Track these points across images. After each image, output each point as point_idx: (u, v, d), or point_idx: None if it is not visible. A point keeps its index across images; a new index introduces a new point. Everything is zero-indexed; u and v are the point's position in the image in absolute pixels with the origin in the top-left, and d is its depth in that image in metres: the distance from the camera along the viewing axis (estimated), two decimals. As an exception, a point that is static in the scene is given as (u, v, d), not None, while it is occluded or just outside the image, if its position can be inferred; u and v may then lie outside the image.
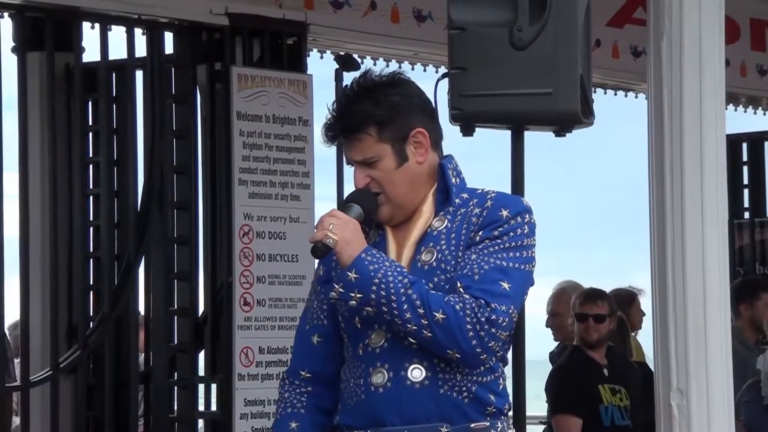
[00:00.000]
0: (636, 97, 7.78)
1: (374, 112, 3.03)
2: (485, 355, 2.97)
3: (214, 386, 6.09)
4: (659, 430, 3.85)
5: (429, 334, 2.94)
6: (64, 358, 5.74)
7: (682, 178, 3.87)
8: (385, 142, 3.04)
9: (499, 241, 3.00)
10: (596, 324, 5.96)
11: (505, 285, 2.97)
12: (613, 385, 5.92)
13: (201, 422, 6.15)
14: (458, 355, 2.96)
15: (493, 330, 2.95)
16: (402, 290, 2.94)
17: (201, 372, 6.12)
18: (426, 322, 2.93)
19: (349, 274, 2.95)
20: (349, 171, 3.14)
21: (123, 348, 5.89)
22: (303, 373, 3.14)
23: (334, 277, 3.00)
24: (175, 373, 6.02)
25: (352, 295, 2.95)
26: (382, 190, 3.06)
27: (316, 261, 3.18)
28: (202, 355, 6.13)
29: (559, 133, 4.26)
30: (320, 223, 3.00)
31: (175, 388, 6.01)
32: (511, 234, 3.02)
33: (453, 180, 3.09)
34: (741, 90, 8.02)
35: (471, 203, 3.06)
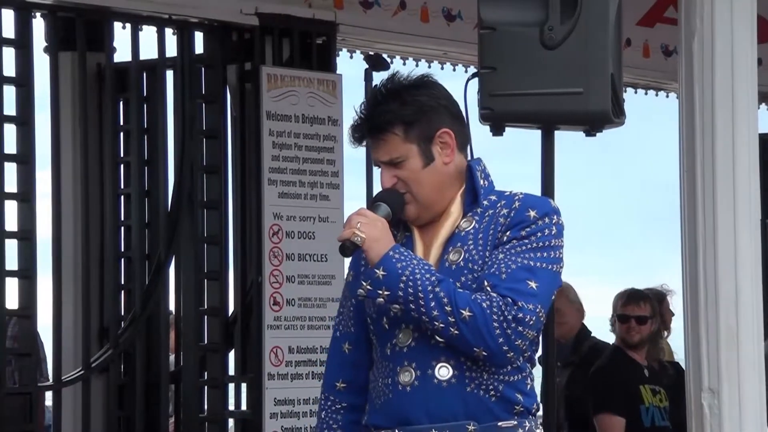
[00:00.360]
0: (667, 96, 7.75)
1: (401, 112, 3.04)
2: (512, 353, 2.97)
3: (244, 386, 6.11)
4: (690, 430, 3.83)
5: (456, 332, 2.95)
6: (96, 357, 5.77)
7: (714, 178, 3.85)
8: (412, 141, 3.05)
9: (526, 241, 3.01)
10: (638, 325, 5.97)
11: (533, 284, 2.97)
12: (653, 386, 5.92)
13: (231, 421, 6.16)
14: (485, 353, 2.96)
15: (520, 328, 2.95)
16: (429, 287, 2.95)
17: (231, 371, 6.14)
18: (453, 320, 2.94)
19: (377, 271, 2.96)
20: (378, 171, 3.14)
21: (153, 347, 5.91)
22: (338, 384, 3.17)
23: (361, 275, 3.01)
24: (206, 373, 6.04)
25: (380, 292, 2.96)
26: (408, 190, 3.07)
27: (346, 262, 3.20)
28: (232, 355, 6.15)
29: (590, 132, 4.24)
30: (348, 222, 3.01)
31: (206, 387, 6.03)
32: (539, 234, 3.02)
33: (481, 182, 3.10)
34: (773, 89, 7.97)
35: (499, 205, 3.07)
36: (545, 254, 3.01)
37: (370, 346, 3.13)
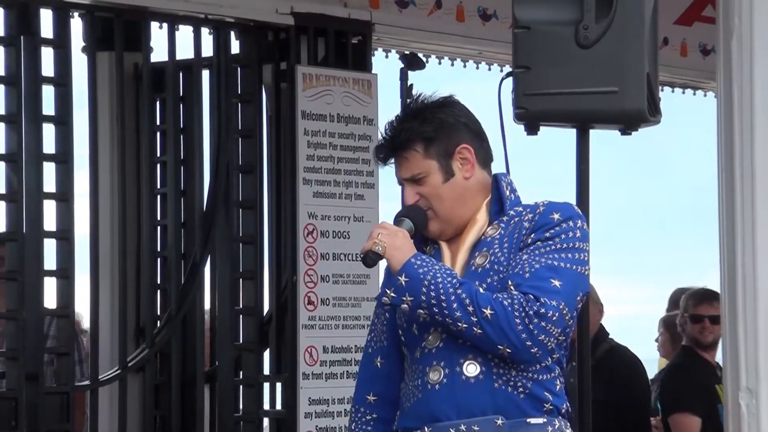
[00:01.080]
0: (705, 95, 7.70)
1: (420, 129, 3.12)
2: (536, 349, 2.99)
3: (279, 385, 6.12)
4: (727, 430, 3.81)
5: (479, 331, 2.98)
6: (132, 357, 5.79)
7: (753, 178, 3.82)
8: (432, 158, 3.13)
9: (550, 242, 3.04)
10: (712, 325, 5.93)
11: (556, 282, 3.00)
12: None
13: (266, 421, 6.18)
14: (509, 350, 2.99)
15: (543, 324, 2.97)
16: (451, 290, 2.99)
17: (266, 371, 6.16)
18: (475, 319, 2.98)
19: (399, 278, 3.02)
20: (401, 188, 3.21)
21: (189, 347, 5.93)
22: (369, 397, 3.22)
23: (385, 283, 3.07)
24: (241, 372, 6.05)
25: (404, 298, 3.02)
26: (429, 206, 3.14)
27: (382, 263, 3.20)
28: (267, 354, 6.16)
29: (625, 131, 4.22)
30: (369, 235, 3.09)
31: (241, 386, 6.04)
32: (563, 236, 3.05)
33: (507, 194, 3.16)
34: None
35: (524, 213, 3.12)
36: (569, 255, 3.04)
37: (402, 359, 3.18)
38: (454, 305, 2.98)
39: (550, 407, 3.04)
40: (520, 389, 3.02)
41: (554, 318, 2.98)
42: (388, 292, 3.02)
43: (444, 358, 3.05)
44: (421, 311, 3.02)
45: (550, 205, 3.11)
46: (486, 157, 3.20)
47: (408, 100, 3.26)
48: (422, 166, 3.13)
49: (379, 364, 3.21)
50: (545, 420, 3.03)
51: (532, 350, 2.99)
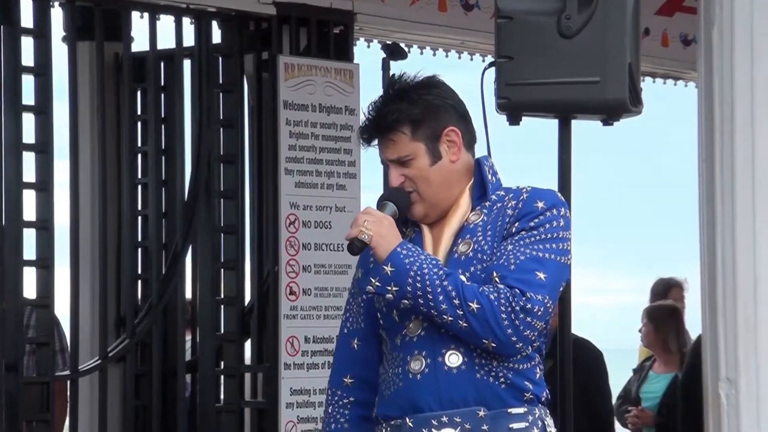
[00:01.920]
0: (686, 85, 7.72)
1: (408, 111, 3.07)
2: (521, 344, 2.98)
3: (260, 375, 6.12)
4: (707, 420, 3.82)
5: (465, 325, 2.96)
6: (113, 347, 5.78)
7: (733, 168, 3.83)
8: (419, 140, 3.08)
9: (535, 232, 3.02)
10: None
11: (541, 275, 2.98)
12: None
13: (247, 411, 6.17)
14: (494, 345, 2.97)
15: (529, 319, 2.96)
16: (437, 282, 2.96)
17: (247, 361, 6.15)
18: (461, 313, 2.96)
19: (385, 267, 2.98)
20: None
21: (170, 337, 5.92)
22: (346, 380, 3.18)
23: (370, 272, 3.03)
24: (222, 362, 6.04)
25: (389, 288, 2.99)
26: (415, 189, 3.10)
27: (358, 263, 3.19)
28: (248, 344, 6.15)
29: (607, 121, 4.23)
30: (355, 221, 3.04)
31: (222, 376, 6.04)
32: (547, 225, 3.03)
33: (489, 178, 3.12)
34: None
35: (506, 198, 3.09)
36: (554, 245, 3.02)
37: (380, 342, 3.15)
38: (440, 298, 2.96)
39: (531, 396, 3.04)
40: (502, 380, 3.02)
41: (539, 313, 2.97)
42: (373, 281, 2.99)
43: (426, 347, 3.02)
44: (406, 302, 2.99)
45: (534, 192, 3.08)
46: (471, 139, 3.16)
47: (391, 80, 3.16)
48: (409, 148, 3.08)
49: (356, 346, 3.17)
50: (526, 409, 3.03)
51: (517, 345, 2.98)
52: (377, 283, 2.99)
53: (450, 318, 2.96)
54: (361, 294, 3.16)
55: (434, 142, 3.09)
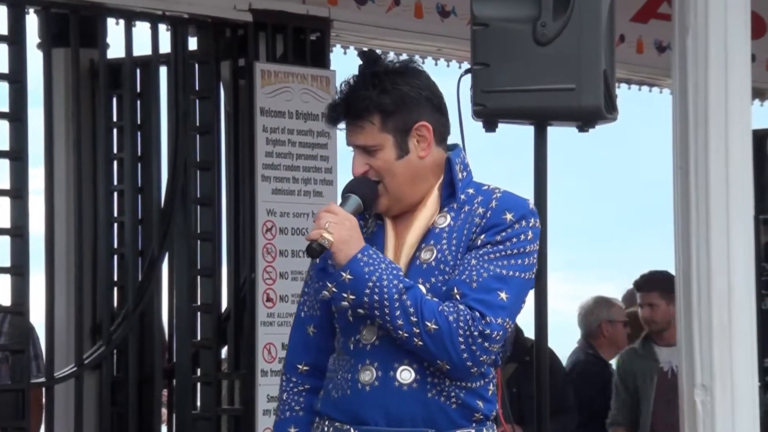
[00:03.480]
0: (661, 92, 7.76)
1: (380, 101, 2.94)
2: (475, 368, 2.91)
3: (237, 382, 6.10)
4: (683, 427, 3.83)
5: (420, 343, 2.87)
6: (89, 354, 5.76)
7: (707, 174, 3.85)
8: (388, 132, 2.95)
9: (501, 246, 2.92)
10: None
11: (503, 295, 2.89)
12: None
13: (224, 418, 6.16)
14: (448, 367, 2.89)
15: (486, 344, 2.87)
16: (396, 296, 2.86)
17: (224, 368, 6.13)
18: (418, 331, 2.86)
19: (343, 274, 2.87)
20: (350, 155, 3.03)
21: (147, 344, 5.90)
22: (300, 366, 3.08)
23: (326, 276, 2.91)
24: (198, 369, 6.03)
25: (345, 296, 2.88)
26: (381, 180, 2.97)
27: None
28: (225, 351, 6.14)
29: (583, 128, 4.24)
30: (317, 220, 2.91)
31: (199, 383, 6.02)
32: (514, 240, 2.92)
33: (459, 175, 3.00)
34: (767, 85, 7.98)
35: (476, 200, 2.98)
36: (519, 261, 2.92)
37: (334, 331, 3.04)
38: (397, 313, 2.84)
39: (480, 416, 2.96)
40: (453, 399, 2.93)
41: (497, 338, 2.88)
42: (330, 286, 2.87)
43: (378, 359, 2.92)
44: (361, 310, 2.89)
45: (504, 199, 2.96)
46: (443, 133, 3.01)
47: (369, 57, 3.02)
48: (376, 138, 2.94)
49: (311, 332, 3.07)
50: (474, 430, 2.95)
51: (472, 369, 2.90)
52: (334, 289, 2.88)
53: (405, 334, 2.86)
54: (317, 281, 2.99)
55: (403, 136, 2.95)
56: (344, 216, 2.93)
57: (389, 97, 2.95)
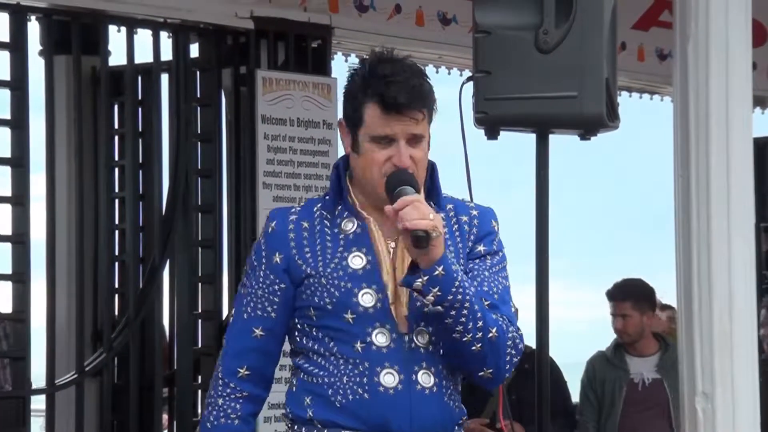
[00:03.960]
0: (662, 100, 7.76)
1: (431, 95, 2.91)
2: (505, 379, 2.94)
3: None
4: (684, 435, 3.83)
5: (479, 349, 2.83)
6: (90, 361, 5.76)
7: (708, 182, 3.85)
8: (428, 123, 2.92)
9: (497, 257, 2.94)
10: None
11: (513, 307, 2.94)
12: None
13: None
14: (491, 375, 2.88)
15: (517, 355, 2.91)
16: (473, 298, 2.81)
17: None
18: (480, 335, 2.82)
19: (437, 268, 2.75)
20: (374, 149, 2.85)
21: (147, 351, 5.90)
22: (241, 371, 2.93)
23: (421, 271, 2.76)
24: (199, 376, 6.03)
25: (432, 290, 2.77)
26: (414, 173, 2.88)
27: (264, 246, 2.96)
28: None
29: (584, 136, 4.24)
30: (417, 209, 2.76)
31: (199, 391, 6.02)
32: (503, 250, 2.97)
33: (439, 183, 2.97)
34: None
35: (448, 206, 2.95)
36: (506, 270, 2.98)
37: (284, 338, 2.95)
38: (471, 315, 2.78)
39: (462, 420, 2.97)
40: (456, 404, 2.93)
41: (521, 347, 2.93)
42: (423, 278, 2.75)
43: (399, 362, 2.85)
44: (434, 308, 2.77)
45: (482, 209, 2.97)
46: None
47: (384, 56, 2.92)
48: (424, 128, 2.88)
49: (258, 335, 2.92)
50: None
51: (504, 379, 2.93)
52: (424, 282, 2.75)
53: (468, 337, 2.80)
54: (279, 278, 2.90)
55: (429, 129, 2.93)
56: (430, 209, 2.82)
57: (432, 91, 2.93)
